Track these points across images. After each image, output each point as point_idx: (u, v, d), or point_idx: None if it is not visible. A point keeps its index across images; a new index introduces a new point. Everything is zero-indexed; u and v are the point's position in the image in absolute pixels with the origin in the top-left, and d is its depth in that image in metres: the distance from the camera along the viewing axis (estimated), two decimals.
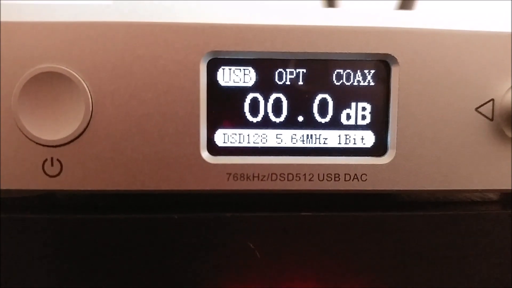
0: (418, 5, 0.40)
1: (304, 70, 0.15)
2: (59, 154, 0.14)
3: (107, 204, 0.16)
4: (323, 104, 0.15)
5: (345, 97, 0.15)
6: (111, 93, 0.14)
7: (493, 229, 0.16)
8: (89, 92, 0.14)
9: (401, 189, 0.15)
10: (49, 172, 0.14)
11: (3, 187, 0.15)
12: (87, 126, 0.14)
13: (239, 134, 0.15)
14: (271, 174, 0.15)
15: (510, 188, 0.15)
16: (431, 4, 0.44)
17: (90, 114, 0.14)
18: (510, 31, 0.15)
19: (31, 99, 0.14)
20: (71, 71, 0.14)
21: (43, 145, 0.14)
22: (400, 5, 0.39)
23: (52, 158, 0.14)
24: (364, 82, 0.15)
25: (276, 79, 0.15)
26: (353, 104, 0.15)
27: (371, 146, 0.15)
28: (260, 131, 0.15)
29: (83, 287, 0.15)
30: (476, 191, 0.16)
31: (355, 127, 0.15)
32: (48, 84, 0.14)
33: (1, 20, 0.14)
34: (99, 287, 0.15)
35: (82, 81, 0.14)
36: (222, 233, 0.15)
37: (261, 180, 0.15)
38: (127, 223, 0.15)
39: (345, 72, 0.15)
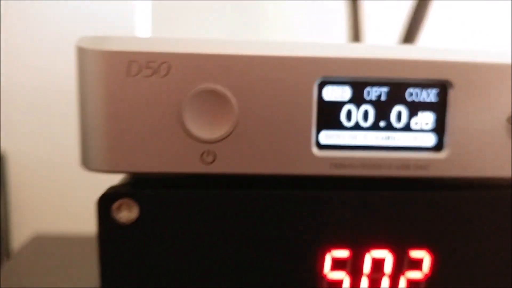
0: (419, 39, 0.46)
1: (386, 89, 0.21)
2: (214, 148, 0.20)
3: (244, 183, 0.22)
4: (398, 114, 0.21)
5: (414, 109, 0.21)
6: (251, 107, 0.20)
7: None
8: (237, 105, 0.20)
9: (454, 175, 0.21)
10: (205, 161, 0.20)
11: (168, 170, 0.20)
12: (233, 130, 0.20)
13: (337, 135, 0.21)
14: (361, 164, 0.21)
15: None
16: (431, 37, 0.51)
17: (236, 121, 0.20)
18: None
19: (194, 108, 0.20)
20: (224, 90, 0.20)
21: (203, 142, 0.20)
22: (403, 38, 0.45)
23: (208, 151, 0.20)
24: (428, 99, 0.21)
25: (365, 96, 0.21)
26: (420, 114, 0.21)
27: (432, 145, 0.21)
28: (352, 133, 0.21)
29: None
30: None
31: (421, 131, 0.21)
32: (208, 98, 0.20)
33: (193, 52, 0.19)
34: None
35: (232, 97, 0.20)
36: (323, 207, 0.21)
37: (354, 168, 0.21)
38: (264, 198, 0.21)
39: (415, 91, 0.21)
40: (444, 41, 0.60)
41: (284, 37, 0.60)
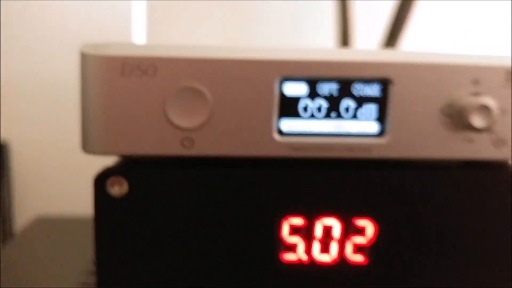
0: (401, 42, 0.51)
1: (336, 86, 0.25)
2: (192, 135, 0.24)
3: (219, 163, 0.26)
4: (347, 106, 0.25)
5: (360, 102, 0.25)
6: (223, 101, 0.24)
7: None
8: (211, 99, 0.24)
9: (393, 157, 0.25)
10: (185, 145, 0.25)
11: (154, 153, 0.25)
12: (208, 120, 0.24)
13: (295, 124, 0.25)
14: (315, 147, 0.25)
15: (461, 158, 0.26)
16: (412, 40, 0.55)
17: (211, 112, 0.24)
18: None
19: (176, 102, 0.24)
20: (201, 87, 0.24)
21: (183, 129, 0.24)
22: (386, 41, 0.49)
23: (187, 137, 0.24)
24: (371, 94, 0.25)
25: (318, 91, 0.25)
26: (365, 106, 0.25)
27: (375, 132, 0.25)
28: (308, 122, 0.25)
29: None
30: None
31: (366, 120, 0.25)
32: (187, 94, 0.24)
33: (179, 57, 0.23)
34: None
35: (207, 93, 0.24)
36: (282, 183, 0.25)
37: (309, 150, 0.25)
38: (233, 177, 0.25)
39: (360, 87, 0.25)
40: (434, 42, 0.64)
41: (274, 35, 0.63)
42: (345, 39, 0.57)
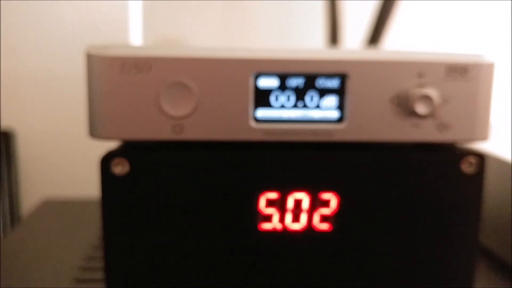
0: (384, 40, 0.55)
1: (302, 80, 0.30)
2: (182, 122, 0.29)
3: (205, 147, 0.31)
4: (311, 97, 0.30)
5: (323, 93, 0.30)
6: (208, 93, 0.29)
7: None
8: (197, 92, 0.29)
9: (351, 139, 0.30)
10: (176, 131, 0.29)
11: (150, 138, 0.29)
12: (195, 109, 0.29)
13: (268, 112, 0.30)
14: (285, 132, 0.30)
15: (409, 140, 0.30)
16: (395, 38, 0.60)
17: (197, 103, 0.29)
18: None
19: (168, 95, 0.29)
20: (189, 82, 0.29)
21: (174, 118, 0.29)
22: (370, 38, 0.53)
23: (178, 124, 0.29)
24: (332, 86, 0.30)
25: (287, 84, 0.30)
26: (327, 97, 0.30)
27: (337, 118, 0.30)
28: (279, 111, 0.30)
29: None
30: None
31: (329, 109, 0.30)
32: (177, 88, 0.29)
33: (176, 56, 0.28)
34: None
35: (194, 86, 0.29)
36: (260, 163, 0.30)
37: (280, 135, 0.30)
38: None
39: (323, 81, 0.30)
40: (420, 39, 0.68)
41: (268, 33, 0.68)
42: (334, 37, 0.62)
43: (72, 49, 0.60)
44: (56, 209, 0.58)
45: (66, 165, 0.64)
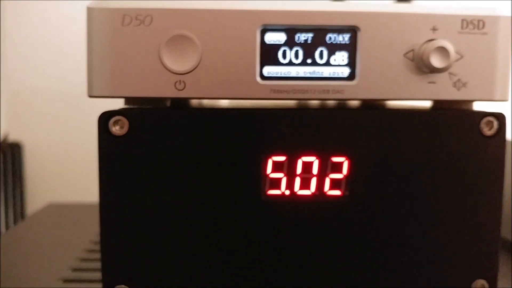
0: None
1: (311, 35, 0.28)
2: (184, 78, 0.28)
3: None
4: (321, 53, 0.28)
5: (333, 49, 0.28)
6: (211, 48, 0.27)
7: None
8: (200, 46, 0.27)
9: (363, 97, 0.28)
10: (178, 88, 0.28)
11: (150, 95, 0.28)
12: (198, 64, 0.28)
13: (276, 69, 0.28)
14: (293, 90, 0.28)
15: (425, 98, 0.29)
16: None
17: (200, 58, 0.27)
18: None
19: (170, 49, 0.27)
20: (191, 34, 0.27)
21: (176, 73, 0.28)
22: None
23: (180, 80, 0.28)
24: (343, 41, 0.28)
25: (296, 39, 0.28)
26: (338, 53, 0.28)
27: (347, 75, 0.28)
28: (287, 68, 0.28)
29: None
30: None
31: (339, 66, 0.28)
32: (179, 41, 0.27)
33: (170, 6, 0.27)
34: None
35: (197, 40, 0.27)
36: (266, 123, 0.28)
37: (287, 93, 0.28)
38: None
39: (333, 35, 0.28)
40: None
41: None
42: None
43: (78, 63, 0.60)
44: (59, 211, 0.57)
45: (71, 175, 0.64)
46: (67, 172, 0.61)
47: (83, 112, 0.56)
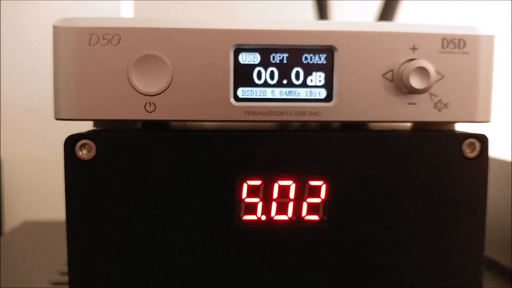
0: (397, 16, 0.52)
1: (286, 54, 0.27)
2: (154, 99, 0.26)
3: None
4: (297, 74, 0.27)
5: (309, 69, 0.27)
6: (182, 68, 0.26)
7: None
8: (171, 67, 0.26)
9: (340, 119, 0.27)
10: (148, 110, 0.27)
11: (119, 117, 0.27)
12: (169, 85, 0.26)
13: (250, 90, 0.27)
14: (268, 111, 0.27)
15: (405, 120, 0.28)
16: (408, 15, 0.57)
17: (171, 79, 0.26)
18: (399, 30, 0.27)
19: (139, 69, 0.26)
20: (161, 55, 0.26)
21: (145, 94, 0.26)
22: (380, 16, 0.50)
23: (150, 102, 0.27)
24: (320, 61, 0.27)
25: (271, 60, 0.27)
26: (315, 73, 0.27)
27: (324, 96, 0.27)
28: (262, 89, 0.27)
29: None
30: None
31: (315, 87, 0.27)
32: (149, 61, 0.26)
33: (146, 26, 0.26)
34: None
35: (167, 60, 0.26)
36: (241, 146, 0.27)
37: (263, 115, 0.27)
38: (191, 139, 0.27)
39: (309, 55, 0.27)
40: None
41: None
42: (322, 15, 0.59)
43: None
44: (35, 228, 0.56)
45: (48, 191, 0.63)
46: (45, 188, 0.60)
47: (61, 129, 0.55)
